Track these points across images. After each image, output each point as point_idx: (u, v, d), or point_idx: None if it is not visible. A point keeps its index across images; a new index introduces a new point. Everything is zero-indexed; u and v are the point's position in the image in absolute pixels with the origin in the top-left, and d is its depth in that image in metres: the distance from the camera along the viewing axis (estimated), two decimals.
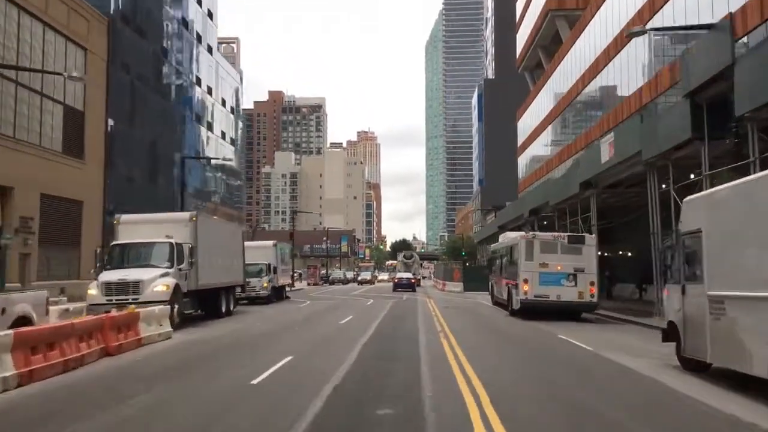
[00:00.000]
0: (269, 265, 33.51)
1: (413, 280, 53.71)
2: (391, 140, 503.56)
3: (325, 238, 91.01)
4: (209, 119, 59.12)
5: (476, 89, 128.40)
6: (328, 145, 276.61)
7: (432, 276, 75.84)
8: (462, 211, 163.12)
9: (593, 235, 25.02)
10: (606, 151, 25.73)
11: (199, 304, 21.76)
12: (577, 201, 31.47)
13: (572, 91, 47.79)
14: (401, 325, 20.69)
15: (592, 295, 22.20)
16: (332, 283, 64.41)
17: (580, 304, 22.38)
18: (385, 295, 42.38)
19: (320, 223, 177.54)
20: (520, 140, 70.77)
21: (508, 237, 29.95)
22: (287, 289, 40.89)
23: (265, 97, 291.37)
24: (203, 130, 57.23)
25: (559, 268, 22.35)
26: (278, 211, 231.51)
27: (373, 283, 68.66)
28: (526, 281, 22.51)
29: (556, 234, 25.10)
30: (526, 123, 67.15)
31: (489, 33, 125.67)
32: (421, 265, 79.52)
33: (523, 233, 27.34)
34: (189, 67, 53.65)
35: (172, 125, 49.16)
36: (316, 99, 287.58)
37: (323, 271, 77.32)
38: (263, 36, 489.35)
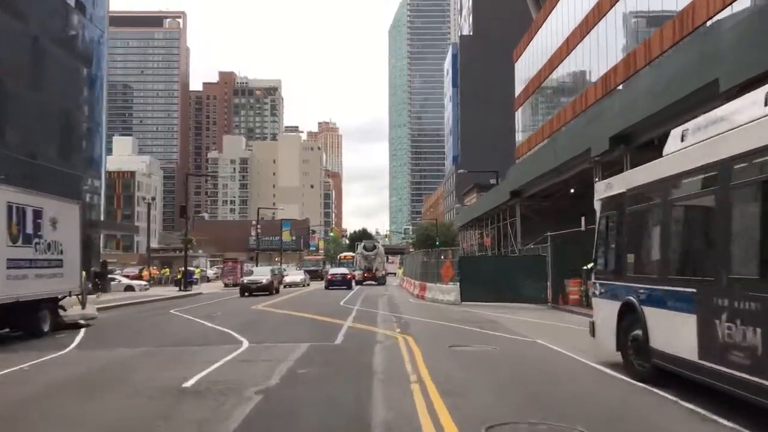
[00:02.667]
0: None
1: (349, 276, 44.97)
2: (354, 136, 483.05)
3: (254, 223, 70.82)
4: None
5: (450, 50, 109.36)
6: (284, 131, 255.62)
7: (400, 274, 56.05)
8: (430, 198, 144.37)
9: None
10: None
11: None
12: None
13: None
14: None
15: None
16: (245, 291, 37.96)
17: None
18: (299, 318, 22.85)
19: (273, 214, 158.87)
20: (521, 86, 51.66)
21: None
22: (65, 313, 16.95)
23: (215, 79, 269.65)
24: None
25: None
26: (226, 201, 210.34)
27: (305, 286, 47.68)
28: None
29: None
30: (534, 56, 48.00)
31: None
32: (387, 259, 59.88)
33: None
34: None
35: None
36: (270, 81, 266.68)
37: (249, 267, 57.73)
38: (213, 11, 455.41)
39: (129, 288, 39.74)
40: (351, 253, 69.21)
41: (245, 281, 35.85)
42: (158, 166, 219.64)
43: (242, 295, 33.84)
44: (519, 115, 53.69)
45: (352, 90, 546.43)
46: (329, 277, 45.10)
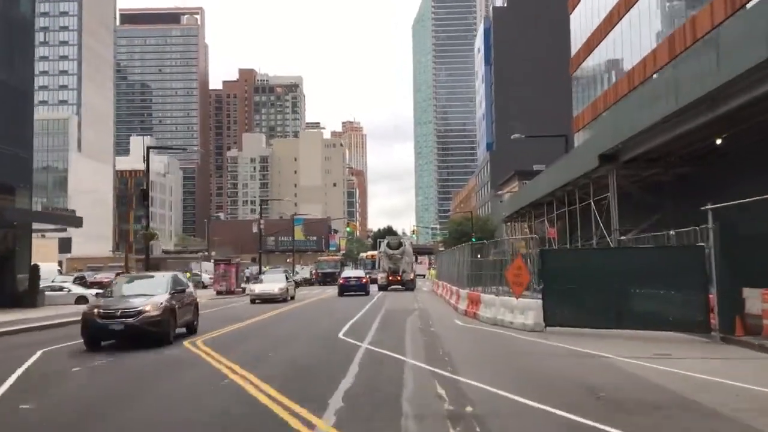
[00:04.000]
0: None
1: (365, 280, 37.92)
2: (378, 136, 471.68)
3: (257, 218, 61.62)
4: None
5: (480, 25, 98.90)
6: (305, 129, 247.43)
7: (431, 276, 45.90)
8: (460, 194, 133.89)
9: None
10: None
11: None
12: None
13: None
14: None
15: None
16: (261, 296, 29.46)
17: None
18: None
19: (294, 214, 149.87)
20: (581, 40, 41.29)
21: None
22: None
23: (234, 77, 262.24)
24: None
25: None
26: (246, 201, 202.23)
27: (286, 300, 37.33)
28: None
29: None
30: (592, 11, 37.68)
31: None
32: (416, 259, 49.84)
33: None
34: None
35: None
36: (291, 78, 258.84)
37: (249, 271, 48.48)
38: (231, 6, 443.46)
39: (81, 299, 30.60)
40: (373, 252, 59.61)
41: (257, 291, 32.21)
42: (177, 166, 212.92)
43: (341, 294, 35.89)
44: (578, 76, 43.38)
45: (375, 88, 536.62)
46: (341, 281, 38.15)
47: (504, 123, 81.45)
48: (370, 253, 59.38)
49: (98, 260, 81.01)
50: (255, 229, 52.88)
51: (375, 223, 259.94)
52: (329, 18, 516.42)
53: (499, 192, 74.54)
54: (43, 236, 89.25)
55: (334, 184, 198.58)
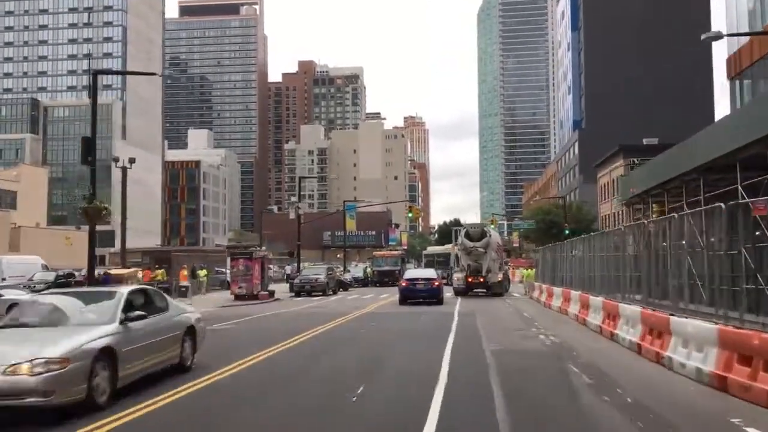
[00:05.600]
0: None
1: (436, 283, 26.62)
2: (439, 134, 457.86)
3: (292, 201, 51.36)
4: None
5: None
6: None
7: (527, 277, 33.91)
8: (533, 186, 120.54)
9: None
10: None
11: None
12: None
13: None
14: None
15: None
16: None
17: None
18: None
19: (345, 201, 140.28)
20: None
21: None
22: None
23: (294, 69, 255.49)
24: None
25: None
26: (304, 195, 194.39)
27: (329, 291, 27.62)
28: None
29: None
30: None
31: None
32: (507, 255, 37.92)
33: None
34: None
35: None
36: (352, 69, 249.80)
37: (291, 268, 38.08)
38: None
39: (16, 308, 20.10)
40: (447, 247, 48.45)
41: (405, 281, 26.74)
42: (235, 159, 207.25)
43: (402, 302, 25.76)
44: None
45: (436, 82, 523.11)
46: (403, 283, 27.14)
47: (598, 94, 68.75)
48: (448, 246, 47.75)
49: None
50: (292, 215, 42.37)
51: (437, 220, 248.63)
52: (389, 8, 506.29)
53: (583, 179, 62.12)
54: (78, 229, 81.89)
55: (395, 177, 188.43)
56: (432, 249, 53.91)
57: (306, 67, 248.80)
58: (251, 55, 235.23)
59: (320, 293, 33.28)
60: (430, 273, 27.97)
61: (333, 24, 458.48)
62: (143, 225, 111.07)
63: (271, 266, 39.36)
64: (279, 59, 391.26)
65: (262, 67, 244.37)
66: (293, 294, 33.48)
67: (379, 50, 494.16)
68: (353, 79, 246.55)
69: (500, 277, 30.58)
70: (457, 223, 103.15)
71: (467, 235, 30.43)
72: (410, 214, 39.75)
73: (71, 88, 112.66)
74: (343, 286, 38.93)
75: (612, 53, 68.43)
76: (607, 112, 66.79)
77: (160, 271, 34.14)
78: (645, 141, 52.19)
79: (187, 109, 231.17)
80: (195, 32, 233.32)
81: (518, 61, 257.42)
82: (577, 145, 71.60)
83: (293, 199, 47.30)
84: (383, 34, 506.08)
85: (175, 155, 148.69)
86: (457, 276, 30.81)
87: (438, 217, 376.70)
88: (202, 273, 34.26)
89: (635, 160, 52.34)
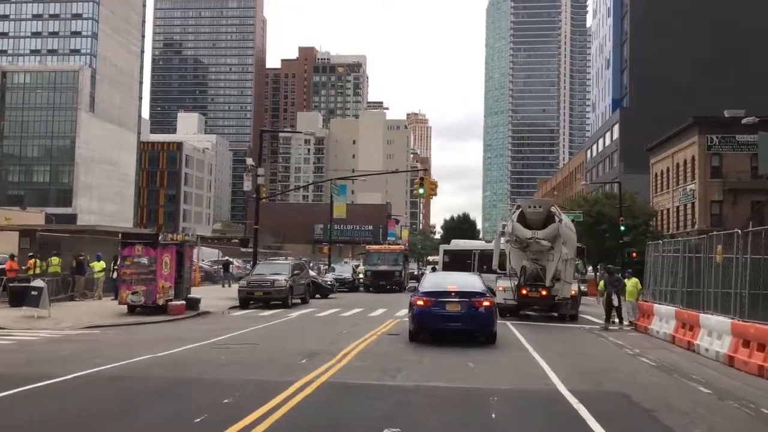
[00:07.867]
0: None
1: (486, 303, 12.93)
2: (442, 134, 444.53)
3: (251, 166, 39.12)
4: None
5: None
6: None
7: (629, 295, 20.11)
8: (548, 182, 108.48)
9: None
10: None
11: None
12: None
13: None
14: None
15: None
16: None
17: None
18: None
19: (351, 202, 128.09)
20: None
21: None
22: None
23: (293, 55, 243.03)
24: None
25: None
26: (299, 186, 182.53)
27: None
28: None
29: None
30: None
31: None
32: (583, 255, 24.58)
33: None
34: None
35: None
36: (354, 57, 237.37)
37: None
38: None
39: None
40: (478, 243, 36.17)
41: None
42: (227, 147, 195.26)
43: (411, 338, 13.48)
44: None
45: (441, 78, 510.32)
46: (420, 301, 13.25)
47: (648, 68, 56.71)
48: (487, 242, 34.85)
49: None
50: (247, 185, 30.03)
51: (438, 221, 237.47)
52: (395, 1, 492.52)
53: (653, 161, 49.84)
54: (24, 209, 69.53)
55: (397, 170, 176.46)
56: (462, 243, 34.54)
57: (307, 53, 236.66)
58: (249, 38, 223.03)
59: (279, 303, 21.36)
60: (473, 281, 14.39)
61: (336, 11, 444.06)
62: (115, 210, 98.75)
63: (203, 259, 27.12)
64: (279, 44, 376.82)
65: (260, 51, 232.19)
66: (238, 304, 21.46)
67: (383, 44, 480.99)
68: (356, 67, 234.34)
69: (574, 289, 18.32)
70: (465, 219, 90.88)
71: (521, 219, 17.99)
72: (421, 190, 26.71)
73: (35, 52, 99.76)
74: (321, 291, 26.83)
75: (667, 18, 56.61)
76: (657, 87, 54.79)
77: (53, 259, 21.96)
78: (727, 113, 40.16)
79: (179, 92, 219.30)
80: (190, 11, 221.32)
81: (528, 56, 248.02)
82: (617, 127, 59.52)
83: (249, 161, 34.63)
84: (387, 28, 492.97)
85: (157, 138, 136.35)
86: (503, 285, 18.56)
87: (438, 217, 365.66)
88: (98, 266, 22.06)
89: (714, 137, 40.39)
